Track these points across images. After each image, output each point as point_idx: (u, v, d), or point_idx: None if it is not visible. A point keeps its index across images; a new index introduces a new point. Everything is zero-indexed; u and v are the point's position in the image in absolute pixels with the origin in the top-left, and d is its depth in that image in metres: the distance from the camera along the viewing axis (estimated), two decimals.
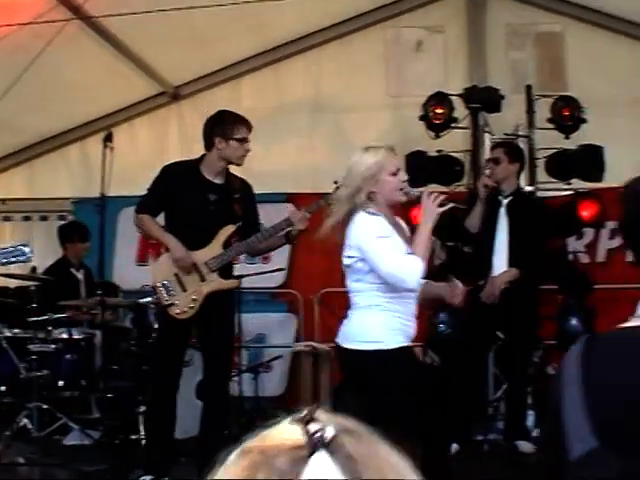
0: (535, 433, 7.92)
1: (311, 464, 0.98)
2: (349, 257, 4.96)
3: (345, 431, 1.03)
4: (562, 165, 8.55)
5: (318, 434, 1.00)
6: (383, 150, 4.98)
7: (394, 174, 4.92)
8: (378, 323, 4.91)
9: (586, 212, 8.26)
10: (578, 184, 8.57)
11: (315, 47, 9.91)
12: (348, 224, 4.90)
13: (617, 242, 9.01)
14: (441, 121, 8.45)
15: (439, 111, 8.46)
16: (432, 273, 8.45)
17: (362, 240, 4.85)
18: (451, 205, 5.06)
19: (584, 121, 8.46)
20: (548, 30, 10.00)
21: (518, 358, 7.74)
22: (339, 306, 9.43)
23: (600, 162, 8.38)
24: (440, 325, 8.17)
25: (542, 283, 8.31)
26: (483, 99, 8.53)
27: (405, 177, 5.02)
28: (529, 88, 8.80)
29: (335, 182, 5.34)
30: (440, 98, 8.47)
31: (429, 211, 4.91)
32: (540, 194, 8.73)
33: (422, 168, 8.46)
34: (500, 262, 7.40)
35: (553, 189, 8.81)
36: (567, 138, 8.54)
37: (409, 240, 4.99)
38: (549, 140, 8.69)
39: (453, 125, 8.53)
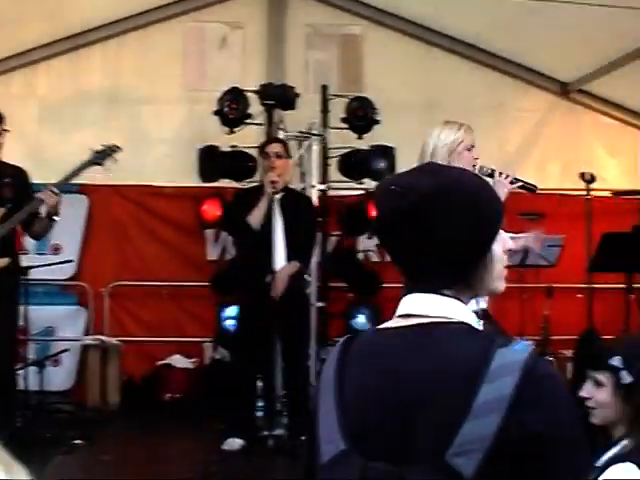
0: None
1: None
2: None
3: None
4: (354, 165, 8.65)
5: None
6: (461, 126, 5.23)
7: (469, 150, 5.13)
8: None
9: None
10: (370, 184, 8.67)
11: (114, 37, 9.70)
12: None
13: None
14: (235, 117, 8.42)
15: (234, 107, 8.43)
16: (224, 269, 8.52)
17: None
18: (520, 184, 5.27)
19: (377, 122, 8.59)
20: (348, 32, 10.14)
21: (298, 354, 7.79)
22: (130, 300, 9.37)
23: (391, 163, 8.53)
24: (228, 320, 8.15)
25: (330, 280, 8.45)
26: (278, 96, 8.55)
27: (476, 154, 5.20)
28: (324, 88, 8.87)
29: None
30: (235, 94, 8.44)
31: (500, 188, 5.05)
32: (332, 193, 8.83)
33: (215, 163, 8.45)
34: (280, 257, 7.44)
35: (345, 188, 8.91)
36: (360, 138, 8.65)
37: None
38: (343, 140, 8.79)
39: (248, 121, 8.51)
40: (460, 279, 1.99)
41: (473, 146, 5.23)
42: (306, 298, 8.12)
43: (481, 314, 4.99)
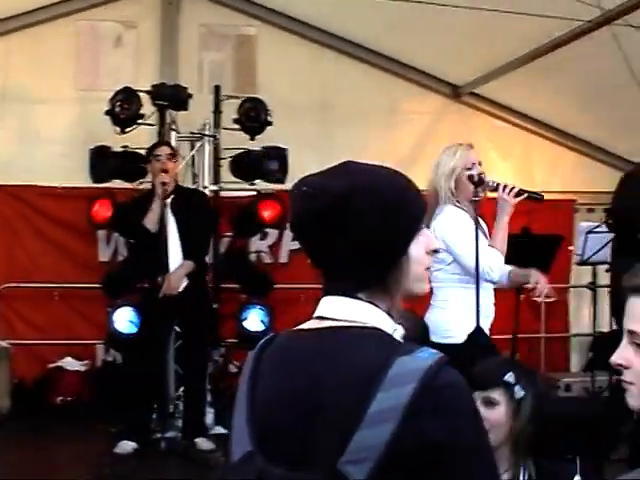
0: (215, 431, 7.99)
1: None
2: None
3: None
4: (246, 166, 8.65)
5: None
6: (459, 147, 5.29)
7: (469, 169, 5.22)
8: (454, 317, 5.14)
9: (268, 213, 8.38)
10: (262, 185, 8.70)
11: (4, 35, 9.53)
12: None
13: (299, 243, 9.24)
14: (127, 117, 8.34)
15: (126, 107, 8.35)
16: (115, 271, 8.45)
17: (448, 232, 5.11)
18: (526, 195, 5.27)
19: (270, 123, 8.60)
20: (243, 33, 10.15)
21: (195, 355, 7.78)
22: (20, 302, 9.23)
23: (284, 164, 8.54)
24: (119, 322, 8.07)
25: (223, 281, 8.44)
26: (170, 97, 8.48)
27: (480, 170, 5.26)
28: (217, 88, 8.85)
29: None
30: (127, 94, 8.33)
31: (505, 203, 5.21)
32: (224, 194, 8.82)
33: (106, 163, 8.36)
34: (175, 258, 7.44)
35: (237, 189, 8.89)
36: (252, 139, 8.64)
37: (487, 235, 5.30)
38: (235, 141, 8.77)
39: (140, 122, 8.44)
40: (375, 281, 1.98)
41: (474, 163, 5.31)
42: (208, 298, 8.11)
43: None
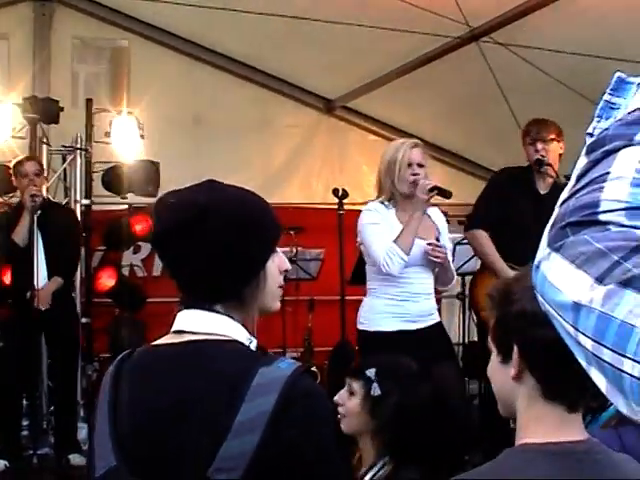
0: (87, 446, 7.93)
1: None
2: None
3: None
4: (118, 179, 8.62)
5: None
6: (402, 145, 5.45)
7: (409, 165, 5.31)
8: (368, 306, 5.37)
9: (140, 226, 8.36)
10: (134, 199, 8.69)
11: None
12: None
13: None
14: None
15: None
16: None
17: (360, 228, 5.44)
18: (436, 192, 5.35)
19: (142, 137, 8.60)
20: (116, 45, 10.09)
21: (63, 370, 7.74)
22: None
23: (156, 178, 8.54)
24: None
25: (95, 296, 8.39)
26: (41, 110, 8.41)
27: (417, 170, 5.32)
28: (89, 101, 8.80)
29: None
30: None
31: (417, 199, 5.28)
32: (96, 207, 8.76)
33: None
34: (41, 274, 7.37)
35: (109, 203, 8.87)
36: (125, 153, 8.63)
37: (429, 233, 5.44)
38: (107, 154, 8.75)
39: (12, 135, 8.35)
40: (231, 295, 2.04)
41: (412, 163, 5.36)
42: (75, 314, 8.08)
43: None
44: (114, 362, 2.12)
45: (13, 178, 7.68)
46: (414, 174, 5.34)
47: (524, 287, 1.85)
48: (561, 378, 1.88)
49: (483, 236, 6.31)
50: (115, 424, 1.99)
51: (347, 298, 7.97)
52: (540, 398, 1.92)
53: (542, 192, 6.37)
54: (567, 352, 1.65)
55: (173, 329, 2.06)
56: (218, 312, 2.03)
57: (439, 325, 5.63)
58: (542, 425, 1.91)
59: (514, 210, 6.31)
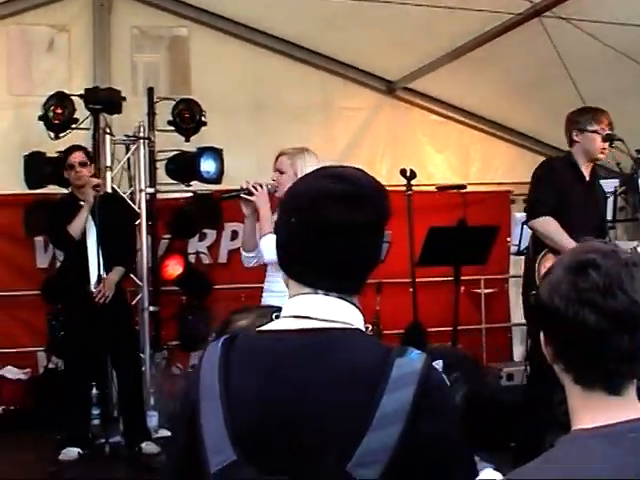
0: (160, 434, 7.96)
1: None
2: None
3: None
4: (182, 167, 8.63)
5: None
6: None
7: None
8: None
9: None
10: (198, 186, 8.69)
11: None
12: None
13: (237, 243, 9.26)
14: (61, 122, 8.27)
15: (59, 111, 8.28)
16: (53, 277, 8.37)
17: None
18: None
19: (204, 124, 8.59)
20: (175, 34, 10.09)
21: (127, 359, 7.76)
22: None
23: (219, 164, 8.54)
24: (57, 328, 8.03)
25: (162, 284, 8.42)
26: (104, 100, 8.43)
27: (275, 175, 5.75)
28: (150, 90, 8.83)
29: None
30: (60, 98, 8.26)
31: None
32: (160, 196, 8.80)
33: (41, 169, 8.27)
34: (94, 265, 7.37)
35: (173, 191, 8.89)
36: (187, 141, 8.63)
37: None
38: (170, 142, 8.76)
39: (74, 126, 8.37)
40: (361, 284, 2.02)
41: (274, 169, 5.83)
42: (128, 302, 8.10)
43: None
44: (213, 349, 2.01)
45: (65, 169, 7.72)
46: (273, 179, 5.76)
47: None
48: (589, 365, 1.79)
49: (551, 221, 6.20)
50: (230, 416, 1.90)
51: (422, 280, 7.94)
52: (576, 384, 1.83)
53: (587, 177, 6.42)
54: (592, 339, 1.58)
55: (291, 313, 1.99)
56: (345, 300, 1.99)
57: None
58: (588, 411, 1.81)
59: (568, 194, 6.28)
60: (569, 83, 8.78)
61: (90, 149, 8.22)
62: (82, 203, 7.46)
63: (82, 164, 7.58)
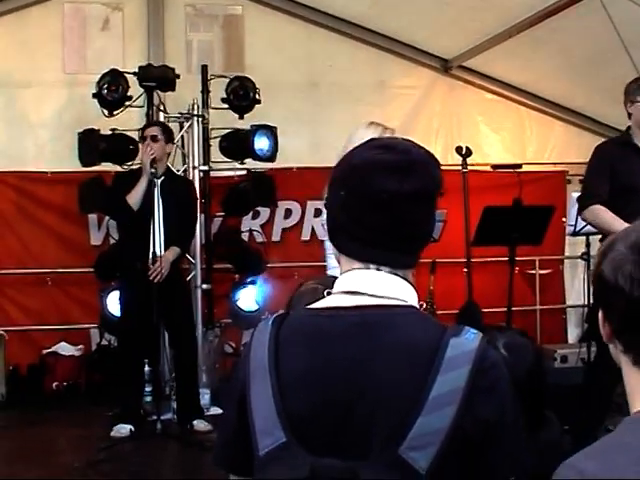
0: (211, 412, 7.98)
1: None
2: None
3: None
4: (236, 145, 8.61)
5: None
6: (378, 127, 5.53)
7: None
8: None
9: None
10: (252, 164, 8.66)
11: None
12: None
13: (291, 221, 9.25)
14: (115, 99, 8.27)
15: (113, 89, 8.28)
16: (107, 254, 8.41)
17: None
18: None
19: (258, 102, 8.56)
20: (229, 12, 10.06)
21: (184, 337, 7.76)
22: (13, 288, 9.17)
23: (273, 142, 8.50)
24: (112, 306, 8.06)
25: (215, 262, 8.41)
26: (157, 78, 8.43)
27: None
28: (204, 68, 8.81)
29: None
30: (114, 76, 8.27)
31: None
32: (214, 174, 8.78)
33: (95, 146, 8.29)
34: (158, 242, 7.37)
35: (227, 169, 8.88)
36: (241, 118, 8.60)
37: None
38: (224, 120, 8.73)
39: (127, 104, 8.37)
40: (415, 261, 1.98)
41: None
42: (185, 281, 8.12)
43: None
44: (263, 327, 1.96)
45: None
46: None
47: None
48: None
49: (602, 209, 6.07)
50: (280, 395, 1.85)
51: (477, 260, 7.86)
52: (634, 366, 1.73)
53: None
54: None
55: (342, 289, 1.94)
56: (399, 275, 1.93)
57: None
58: None
59: (625, 173, 6.09)
60: (627, 61, 8.61)
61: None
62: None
63: (153, 138, 7.57)
